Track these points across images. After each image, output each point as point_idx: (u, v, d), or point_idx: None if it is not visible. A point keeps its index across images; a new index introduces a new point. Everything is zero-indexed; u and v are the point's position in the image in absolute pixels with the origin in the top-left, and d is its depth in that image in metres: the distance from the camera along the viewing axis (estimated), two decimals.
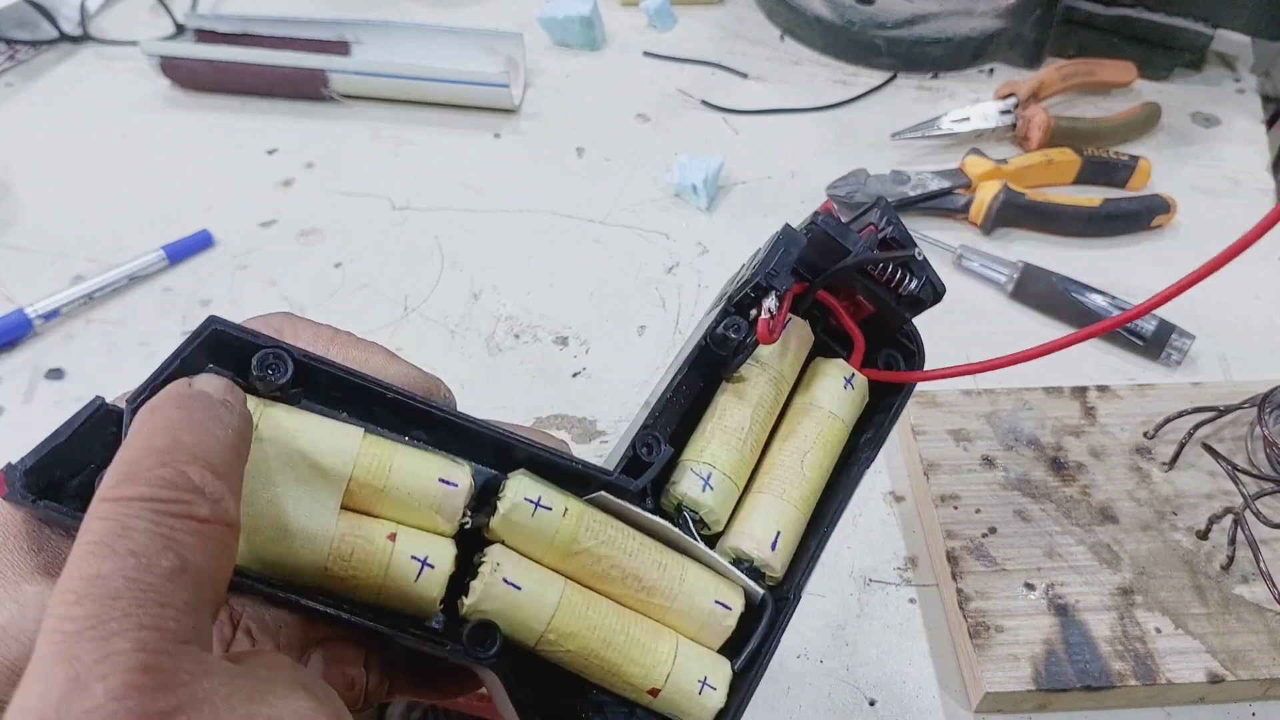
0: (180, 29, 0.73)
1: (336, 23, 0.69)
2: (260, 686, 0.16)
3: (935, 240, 0.59)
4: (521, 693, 0.22)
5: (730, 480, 0.24)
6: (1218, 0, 0.66)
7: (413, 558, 0.21)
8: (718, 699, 0.23)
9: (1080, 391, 0.49)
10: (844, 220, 0.25)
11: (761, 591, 0.23)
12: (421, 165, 0.64)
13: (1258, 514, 0.42)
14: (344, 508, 0.21)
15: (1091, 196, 0.60)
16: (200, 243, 0.58)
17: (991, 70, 0.72)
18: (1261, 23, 0.66)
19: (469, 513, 0.22)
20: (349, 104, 0.68)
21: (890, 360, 0.26)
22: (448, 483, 0.22)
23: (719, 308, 0.25)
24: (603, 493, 0.23)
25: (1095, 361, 0.53)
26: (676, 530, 0.23)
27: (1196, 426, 0.46)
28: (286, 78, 0.67)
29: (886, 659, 0.41)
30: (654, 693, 0.22)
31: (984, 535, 0.43)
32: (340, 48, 0.69)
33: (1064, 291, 0.54)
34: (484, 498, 0.23)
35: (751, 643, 0.23)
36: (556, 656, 0.22)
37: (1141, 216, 0.60)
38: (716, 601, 0.23)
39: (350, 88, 0.67)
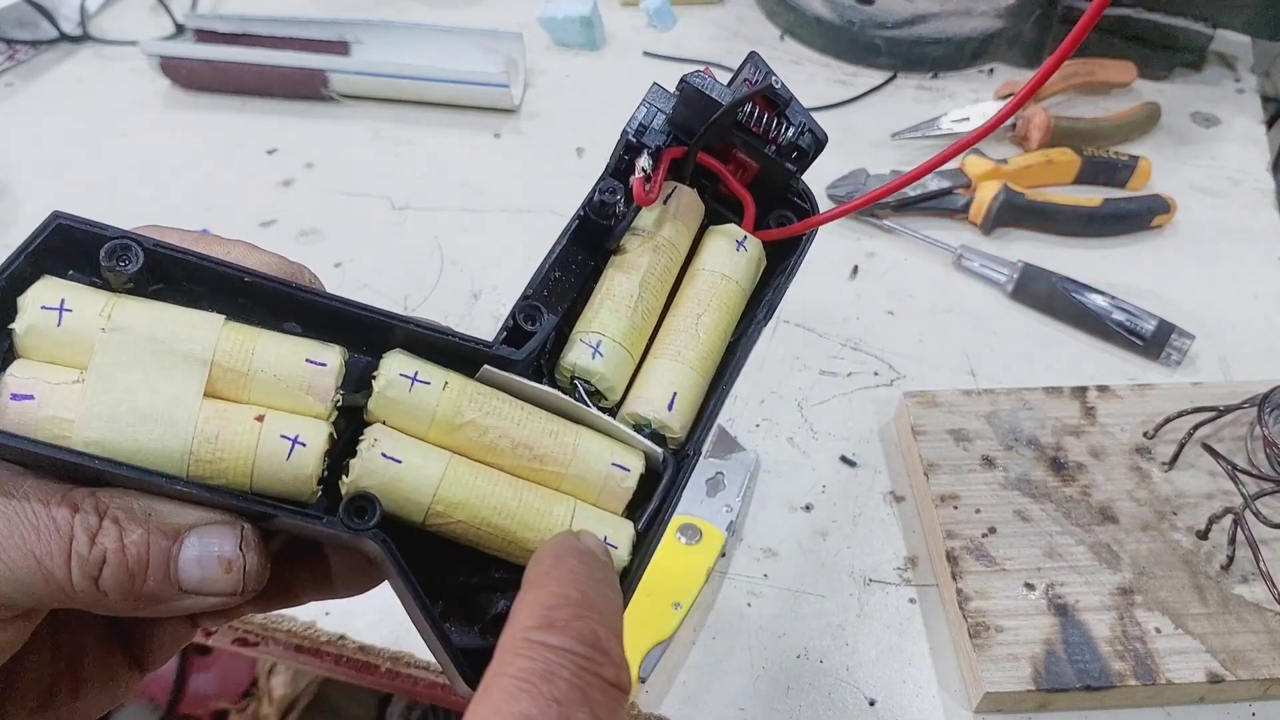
0: (180, 29, 0.73)
1: (336, 23, 0.69)
2: None
3: (935, 240, 0.59)
4: (415, 569, 0.21)
5: (622, 347, 0.23)
6: (1218, 0, 0.66)
7: (283, 436, 0.20)
8: (620, 557, 0.22)
9: (1080, 391, 0.49)
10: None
11: (660, 451, 0.23)
12: (421, 165, 0.64)
13: (1257, 514, 0.42)
14: (210, 395, 0.21)
15: (1091, 196, 0.60)
16: None
17: (991, 70, 0.72)
18: (1261, 23, 0.66)
19: (342, 393, 0.22)
20: (349, 104, 0.68)
21: (783, 220, 0.26)
22: (315, 362, 0.21)
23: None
24: (487, 367, 0.23)
25: (1095, 361, 0.53)
26: (567, 398, 0.23)
27: (1196, 426, 0.46)
28: (286, 78, 0.67)
29: (886, 659, 0.41)
30: None
31: (984, 535, 0.43)
32: (340, 48, 0.69)
33: (1064, 291, 0.54)
34: (364, 382, 0.22)
35: (652, 502, 0.23)
36: (449, 530, 0.22)
37: (1141, 216, 0.60)
38: (614, 464, 0.23)
39: (350, 88, 0.67)
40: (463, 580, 0.23)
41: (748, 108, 0.24)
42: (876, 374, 0.52)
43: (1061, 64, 0.19)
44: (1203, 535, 0.43)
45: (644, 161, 0.23)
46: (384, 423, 0.22)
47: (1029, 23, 0.70)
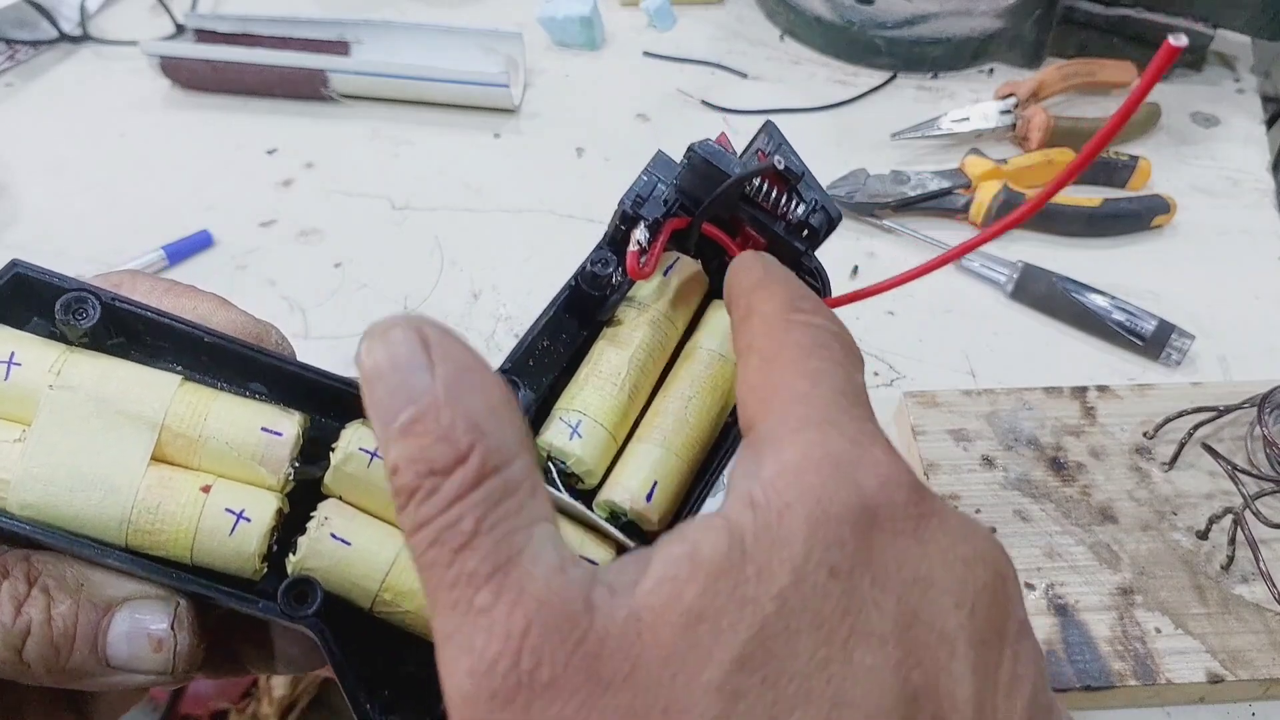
0: (180, 29, 0.73)
1: (336, 23, 0.69)
2: None
3: (935, 240, 0.59)
4: (351, 659, 0.20)
5: (603, 428, 0.22)
6: (1218, 0, 0.66)
7: (227, 510, 0.20)
8: None
9: (1080, 391, 0.49)
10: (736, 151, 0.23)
11: (632, 546, 0.22)
12: (421, 165, 0.64)
13: (1257, 514, 0.42)
14: (157, 460, 0.20)
15: (1091, 196, 0.60)
16: (200, 243, 0.58)
17: (991, 70, 0.72)
18: (1261, 23, 0.66)
19: (296, 465, 0.21)
20: (349, 104, 0.68)
21: None
22: (271, 431, 0.20)
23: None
24: None
25: (1095, 361, 0.53)
26: None
27: (1196, 426, 0.46)
28: (286, 78, 0.67)
29: None
30: None
31: None
32: (340, 48, 0.69)
33: (1064, 291, 0.54)
34: (325, 450, 0.21)
35: None
36: (397, 619, 0.21)
37: (1141, 216, 0.60)
38: (582, 558, 0.21)
39: (350, 88, 0.67)
40: (412, 670, 0.21)
41: (758, 182, 0.23)
42: (876, 374, 0.52)
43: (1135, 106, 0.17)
44: (1203, 535, 0.43)
45: (640, 234, 0.22)
46: (340, 498, 0.21)
47: (1029, 23, 0.70)
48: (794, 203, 0.23)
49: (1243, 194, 0.63)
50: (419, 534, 0.16)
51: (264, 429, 0.20)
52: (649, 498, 0.21)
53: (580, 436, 0.21)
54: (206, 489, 0.20)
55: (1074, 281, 0.54)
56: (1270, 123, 0.70)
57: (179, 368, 0.21)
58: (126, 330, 0.21)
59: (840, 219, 0.23)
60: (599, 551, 0.21)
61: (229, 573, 0.20)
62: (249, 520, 0.20)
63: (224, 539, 0.20)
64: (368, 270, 0.57)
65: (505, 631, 0.15)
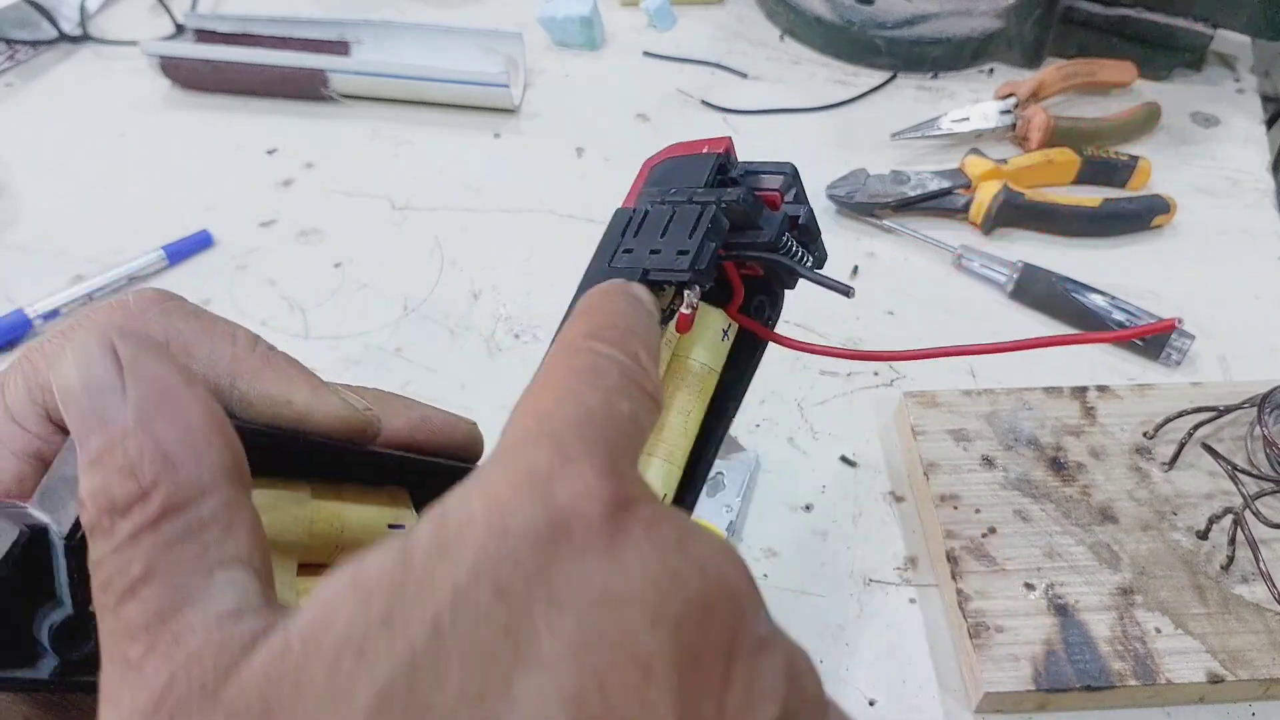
0: (180, 29, 0.73)
1: (336, 23, 0.69)
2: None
3: (935, 240, 0.59)
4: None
5: None
6: (1218, 0, 0.66)
7: None
8: None
9: (1080, 391, 0.49)
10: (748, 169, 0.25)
11: None
12: (421, 165, 0.64)
13: (1257, 514, 0.42)
14: (303, 564, 0.21)
15: (1091, 196, 0.60)
16: (200, 243, 0.58)
17: (991, 70, 0.72)
18: (1261, 23, 0.66)
19: None
20: (349, 104, 0.68)
21: (760, 306, 0.26)
22: (397, 526, 0.22)
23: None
24: None
25: (1095, 361, 0.53)
26: None
27: (1196, 426, 0.46)
28: (286, 78, 0.67)
29: (886, 659, 0.41)
30: None
31: (984, 535, 0.43)
32: (340, 48, 0.69)
33: (1064, 291, 0.54)
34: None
35: None
36: None
37: (1141, 216, 0.60)
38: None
39: (350, 88, 0.67)
40: None
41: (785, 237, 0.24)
42: (876, 374, 0.52)
43: None
44: (1203, 535, 0.43)
45: (693, 297, 0.23)
46: None
47: (1029, 23, 0.70)
48: (801, 253, 0.25)
49: (1243, 194, 0.63)
50: (94, 578, 0.14)
51: (390, 525, 0.21)
52: None
53: None
54: None
55: (1074, 281, 0.54)
56: (1270, 123, 0.70)
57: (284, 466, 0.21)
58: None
59: (826, 257, 0.25)
60: None
61: None
62: None
63: None
64: (368, 270, 0.57)
65: (149, 690, 0.13)
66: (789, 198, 0.24)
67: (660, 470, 0.24)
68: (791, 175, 0.25)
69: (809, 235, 0.24)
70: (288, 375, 0.20)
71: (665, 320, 0.24)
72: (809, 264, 0.24)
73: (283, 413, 0.20)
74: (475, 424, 0.24)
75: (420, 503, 0.23)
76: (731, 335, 0.25)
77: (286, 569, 0.20)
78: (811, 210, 0.24)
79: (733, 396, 0.25)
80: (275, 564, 0.19)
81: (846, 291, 0.24)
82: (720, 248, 0.23)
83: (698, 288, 0.23)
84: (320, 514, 0.21)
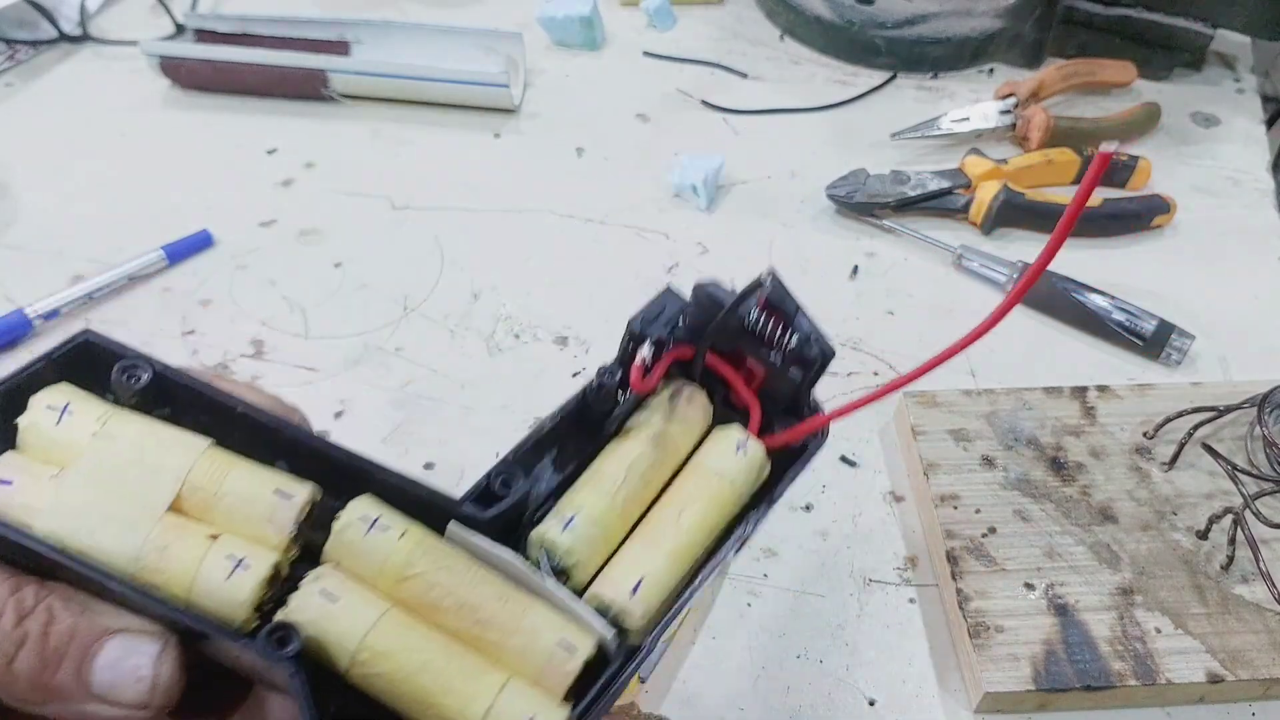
0: (180, 29, 0.73)
1: (336, 23, 0.69)
2: None
3: (935, 240, 0.59)
4: (322, 710, 0.20)
5: (595, 525, 0.23)
6: (1217, 0, 0.66)
7: (228, 556, 0.21)
8: None
9: (1080, 391, 0.49)
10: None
11: (612, 637, 0.22)
12: (421, 165, 0.64)
13: (1257, 514, 0.42)
14: (176, 510, 0.21)
15: (1091, 197, 0.60)
16: (200, 243, 0.58)
17: (991, 70, 0.72)
18: (1261, 23, 0.66)
19: (299, 527, 0.22)
20: (349, 104, 0.68)
21: (784, 429, 0.26)
22: (283, 494, 0.22)
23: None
24: (454, 524, 0.22)
25: (1095, 361, 0.53)
26: (525, 567, 0.22)
27: (1196, 426, 0.46)
28: (286, 78, 0.67)
29: (886, 659, 0.41)
30: None
31: (984, 535, 0.43)
32: (340, 48, 0.69)
33: (1064, 291, 0.54)
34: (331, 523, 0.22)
35: (592, 690, 0.22)
36: (370, 682, 0.21)
37: (1141, 216, 0.60)
38: (560, 642, 0.21)
39: (350, 88, 0.67)
40: None
41: (755, 315, 0.24)
42: (876, 374, 0.52)
43: None
44: (1203, 535, 0.43)
45: (645, 351, 0.24)
46: (338, 564, 0.22)
47: (1029, 23, 0.70)
48: (790, 335, 0.25)
49: (1243, 194, 0.63)
50: None
51: (277, 490, 0.22)
52: (634, 592, 0.22)
53: (572, 530, 0.23)
54: (214, 537, 0.21)
55: (1074, 281, 0.54)
56: (1270, 122, 0.70)
57: (213, 439, 0.23)
58: (172, 401, 0.23)
59: (833, 355, 0.25)
60: (579, 638, 0.22)
61: (221, 618, 0.21)
62: (246, 568, 0.21)
63: (221, 582, 0.21)
64: (368, 270, 0.57)
65: None
66: (767, 287, 0.25)
67: (640, 556, 0.23)
68: (771, 273, 0.25)
69: (787, 311, 0.25)
70: (241, 383, 0.24)
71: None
72: (792, 340, 0.25)
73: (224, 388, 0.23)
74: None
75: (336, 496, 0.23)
76: (751, 453, 0.25)
77: (161, 492, 0.21)
78: (788, 294, 0.25)
79: (754, 509, 0.25)
80: (152, 486, 0.21)
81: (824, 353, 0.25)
82: (687, 324, 0.25)
83: (647, 340, 0.24)
84: (213, 454, 0.22)
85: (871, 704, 0.40)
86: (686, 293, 0.25)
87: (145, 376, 0.22)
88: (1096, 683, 0.38)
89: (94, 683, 0.20)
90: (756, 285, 0.24)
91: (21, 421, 0.22)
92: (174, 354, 0.53)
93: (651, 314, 0.25)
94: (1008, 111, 0.65)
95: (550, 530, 0.23)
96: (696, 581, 0.23)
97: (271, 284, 0.57)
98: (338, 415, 0.50)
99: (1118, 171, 0.62)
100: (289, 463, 0.23)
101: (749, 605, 0.43)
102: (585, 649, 0.22)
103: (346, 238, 0.59)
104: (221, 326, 0.54)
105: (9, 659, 0.20)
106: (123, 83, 0.70)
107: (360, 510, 0.22)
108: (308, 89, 0.67)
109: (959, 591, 0.41)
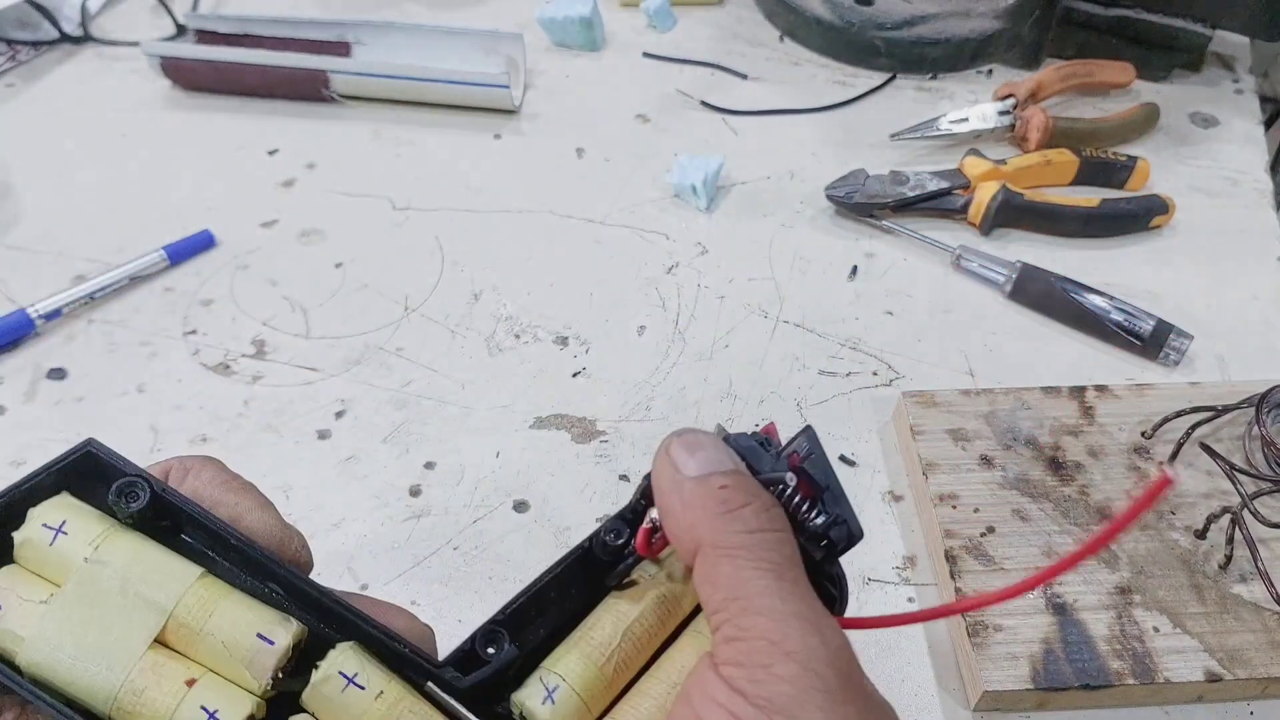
0: (181, 30, 0.73)
1: (337, 23, 0.69)
2: None
3: (934, 240, 0.59)
4: None
5: (579, 698, 0.22)
6: (1216, 1, 0.66)
7: (202, 708, 0.21)
8: None
9: (1078, 391, 0.49)
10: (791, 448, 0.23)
11: None
12: (422, 166, 0.65)
13: (1255, 513, 0.42)
14: (160, 643, 0.22)
15: (1090, 197, 0.60)
16: (202, 243, 0.58)
17: (990, 71, 0.73)
18: (1259, 24, 0.66)
19: (282, 675, 0.22)
20: (350, 105, 0.68)
21: (824, 591, 0.24)
22: (265, 639, 0.22)
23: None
24: (431, 684, 0.22)
25: (1093, 361, 0.53)
26: None
27: (1194, 426, 0.46)
28: (287, 78, 0.67)
29: (885, 658, 0.41)
30: None
31: (982, 534, 0.43)
32: (341, 48, 0.69)
33: (1062, 291, 0.54)
34: (310, 666, 0.22)
35: None
36: None
37: (1140, 217, 0.60)
38: None
39: (351, 88, 0.68)
40: None
41: (783, 487, 0.23)
42: (875, 374, 0.52)
43: None
44: (1201, 535, 0.43)
45: (655, 513, 0.23)
46: (313, 715, 0.22)
47: (1028, 24, 0.70)
48: (816, 513, 0.23)
49: (1241, 194, 0.63)
50: None
51: (259, 635, 0.22)
52: None
53: (554, 703, 0.22)
54: (191, 682, 0.21)
55: (1072, 281, 0.55)
56: (1268, 123, 0.70)
57: (213, 555, 0.23)
58: (172, 518, 0.23)
59: (861, 537, 0.23)
60: None
61: None
62: None
63: None
64: (369, 270, 0.58)
65: None
66: (802, 454, 0.23)
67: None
68: (808, 433, 0.24)
69: (817, 487, 0.23)
70: (245, 491, 0.24)
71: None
72: (818, 520, 0.23)
73: (222, 512, 0.23)
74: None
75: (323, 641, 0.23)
76: None
77: (145, 627, 0.21)
78: (825, 465, 0.23)
79: None
80: (137, 618, 0.21)
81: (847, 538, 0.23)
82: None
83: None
84: (201, 589, 0.22)
85: None
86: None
87: (143, 498, 0.23)
88: (1095, 682, 0.39)
89: None
90: (784, 476, 0.23)
91: (17, 537, 0.22)
92: (176, 354, 0.53)
93: None
94: (1006, 112, 0.65)
95: (532, 698, 0.22)
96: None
97: (273, 284, 0.57)
98: (338, 415, 0.50)
99: (1116, 172, 0.62)
100: (283, 589, 0.23)
101: None
102: None
103: (347, 238, 0.60)
104: (223, 326, 0.54)
105: None
106: (124, 83, 0.70)
107: (340, 664, 0.22)
108: (309, 90, 0.67)
109: (957, 591, 0.41)
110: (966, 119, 0.65)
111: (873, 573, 0.44)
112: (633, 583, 0.24)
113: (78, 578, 0.21)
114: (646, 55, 0.73)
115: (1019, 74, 0.72)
